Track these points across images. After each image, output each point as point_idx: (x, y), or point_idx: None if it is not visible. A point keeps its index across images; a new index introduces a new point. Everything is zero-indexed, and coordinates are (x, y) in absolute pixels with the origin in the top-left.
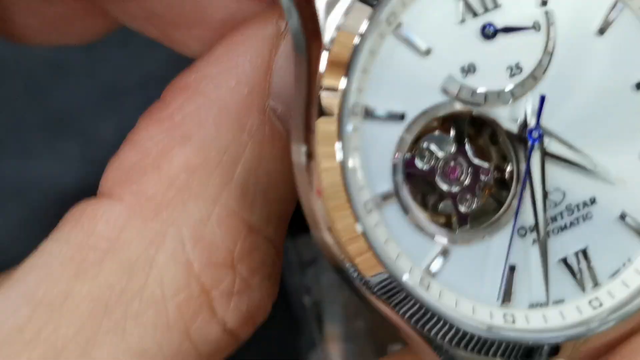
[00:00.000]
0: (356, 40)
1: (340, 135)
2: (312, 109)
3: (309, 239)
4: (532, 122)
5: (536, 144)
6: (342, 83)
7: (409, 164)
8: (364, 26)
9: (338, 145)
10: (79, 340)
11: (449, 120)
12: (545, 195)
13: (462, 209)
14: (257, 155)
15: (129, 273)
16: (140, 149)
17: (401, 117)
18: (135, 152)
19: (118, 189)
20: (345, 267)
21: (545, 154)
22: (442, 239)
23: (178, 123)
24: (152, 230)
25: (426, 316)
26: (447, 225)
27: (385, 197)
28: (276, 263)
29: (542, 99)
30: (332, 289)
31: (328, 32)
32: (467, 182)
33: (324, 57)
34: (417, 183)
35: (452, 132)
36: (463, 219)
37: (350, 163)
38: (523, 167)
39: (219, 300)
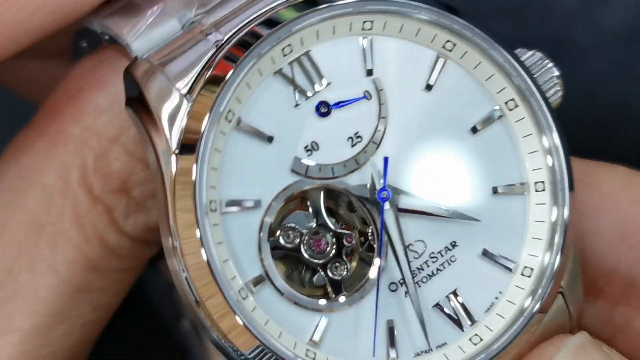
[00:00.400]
0: (198, 142)
1: (201, 233)
2: (171, 211)
3: None
4: (379, 184)
5: (387, 203)
6: (194, 179)
7: (274, 246)
8: (203, 127)
9: (202, 249)
10: (22, 258)
11: (305, 198)
12: (405, 248)
13: (335, 277)
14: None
15: (49, 198)
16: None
17: (257, 204)
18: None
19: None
20: (229, 352)
21: (399, 210)
22: (319, 310)
23: None
24: (63, 160)
25: None
26: (325, 296)
27: (257, 282)
28: None
29: (386, 161)
30: None
31: (174, 139)
32: (333, 251)
33: (173, 162)
34: (288, 262)
35: (310, 209)
36: (337, 287)
37: (217, 257)
38: (383, 228)
39: (121, 217)
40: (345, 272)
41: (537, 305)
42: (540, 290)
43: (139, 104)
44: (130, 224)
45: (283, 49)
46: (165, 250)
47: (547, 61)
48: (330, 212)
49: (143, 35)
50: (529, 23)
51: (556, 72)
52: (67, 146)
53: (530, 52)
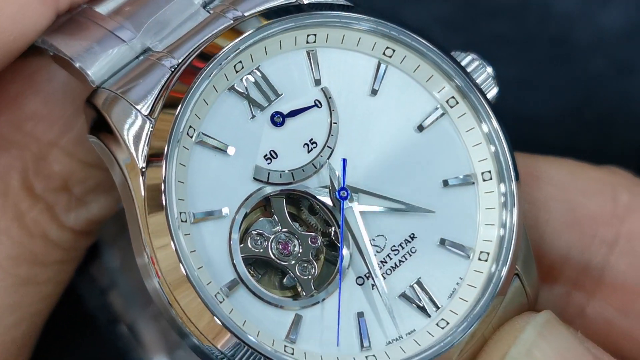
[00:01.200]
0: (164, 158)
1: (175, 244)
2: (143, 226)
3: (100, 264)
4: (338, 185)
5: (347, 201)
6: (163, 193)
7: (244, 252)
8: (167, 144)
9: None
10: None
11: (269, 207)
12: (369, 243)
13: (304, 277)
14: None
15: None
16: None
17: (224, 212)
18: None
19: None
20: (211, 354)
21: (358, 207)
22: (293, 308)
23: None
24: (4, 164)
25: None
26: (296, 296)
27: (232, 286)
28: (107, 185)
29: (344, 162)
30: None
31: (140, 157)
32: (300, 253)
33: (141, 179)
34: (259, 267)
35: (275, 216)
36: (307, 286)
37: (192, 265)
38: (345, 225)
39: (63, 213)
40: (313, 271)
41: (498, 287)
42: (497, 273)
43: (102, 130)
44: (72, 219)
45: (235, 65)
46: (140, 267)
47: (481, 61)
48: (293, 218)
49: (99, 62)
50: (529, 23)
51: (491, 71)
52: (8, 151)
53: (465, 54)
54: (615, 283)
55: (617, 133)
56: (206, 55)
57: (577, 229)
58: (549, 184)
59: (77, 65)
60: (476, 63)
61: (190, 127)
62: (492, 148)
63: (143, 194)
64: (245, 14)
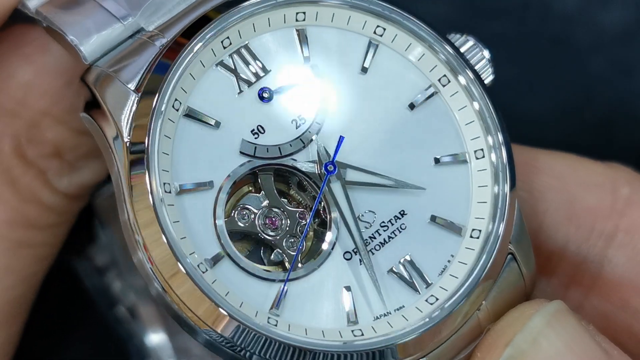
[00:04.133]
0: (147, 130)
1: (156, 214)
2: (127, 194)
3: (96, 244)
4: (325, 159)
5: (335, 177)
6: (145, 168)
7: (231, 227)
8: (150, 116)
9: (157, 228)
10: None
11: (257, 182)
12: (356, 218)
13: (291, 252)
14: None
15: None
16: None
17: (210, 184)
18: None
19: None
20: (190, 323)
21: (346, 183)
22: (278, 280)
23: None
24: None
25: (280, 350)
26: (284, 271)
27: (216, 259)
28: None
29: (341, 139)
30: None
31: (126, 130)
32: (287, 227)
33: (126, 151)
34: (246, 243)
35: (263, 191)
36: (294, 260)
37: (174, 234)
38: (331, 200)
39: (55, 178)
40: (301, 246)
41: (489, 263)
42: (488, 248)
43: (93, 108)
44: (65, 184)
45: (222, 41)
46: (123, 227)
47: (478, 44)
48: (282, 194)
49: (93, 40)
50: (529, 23)
51: (487, 55)
52: (0, 119)
53: (459, 35)
54: (613, 277)
55: (617, 133)
56: (192, 31)
57: (575, 221)
58: (548, 175)
59: (70, 40)
60: (470, 43)
61: (176, 100)
62: (484, 125)
63: (127, 165)
64: None
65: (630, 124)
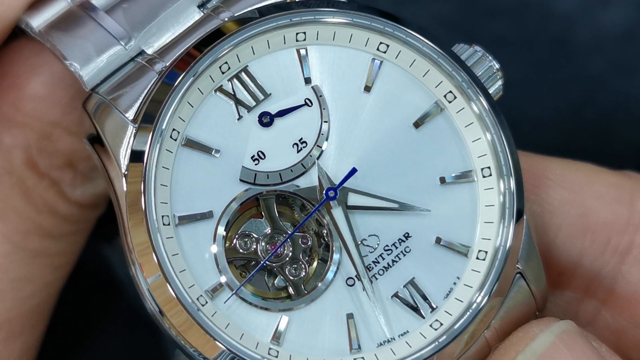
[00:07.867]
0: (144, 163)
1: (154, 246)
2: (127, 230)
3: None
4: (326, 184)
5: (336, 201)
6: (142, 201)
7: (232, 254)
8: (147, 148)
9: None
10: None
11: (259, 207)
12: (357, 244)
13: (294, 278)
14: None
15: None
16: None
17: (209, 214)
18: None
19: None
20: (187, 351)
21: (348, 208)
22: (280, 310)
23: None
24: (8, 143)
25: None
26: (288, 297)
27: (215, 289)
28: None
29: (353, 171)
30: None
31: (124, 163)
32: (290, 254)
33: (124, 182)
34: (249, 269)
35: (265, 216)
36: (298, 287)
37: (173, 268)
38: (332, 226)
39: (69, 189)
40: (304, 273)
41: (495, 286)
42: (495, 270)
43: (95, 142)
44: (79, 194)
45: (220, 67)
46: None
47: (486, 55)
48: (285, 217)
49: (93, 65)
50: (529, 23)
51: (496, 65)
52: (10, 130)
53: (467, 46)
54: (627, 293)
55: (617, 133)
56: (190, 56)
57: (590, 236)
58: (563, 188)
59: (69, 65)
60: (479, 55)
61: (174, 130)
62: (489, 137)
63: (125, 197)
64: (236, 15)
65: (630, 124)
